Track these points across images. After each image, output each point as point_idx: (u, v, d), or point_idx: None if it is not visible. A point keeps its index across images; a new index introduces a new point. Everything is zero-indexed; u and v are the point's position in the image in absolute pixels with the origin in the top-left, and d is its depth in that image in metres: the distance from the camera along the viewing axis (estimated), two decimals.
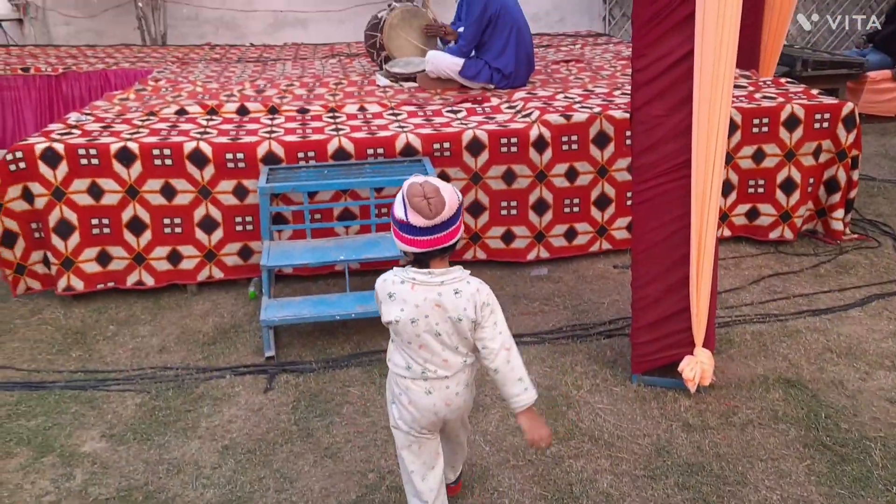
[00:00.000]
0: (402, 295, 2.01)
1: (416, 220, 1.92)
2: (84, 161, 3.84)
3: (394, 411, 2.16)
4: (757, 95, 4.61)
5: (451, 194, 1.96)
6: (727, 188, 4.35)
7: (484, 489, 2.54)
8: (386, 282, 2.05)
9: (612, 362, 3.28)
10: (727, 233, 4.48)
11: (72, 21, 9.59)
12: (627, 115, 4.10)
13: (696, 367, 2.93)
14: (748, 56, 5.22)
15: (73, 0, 9.58)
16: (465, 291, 2.00)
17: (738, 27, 2.66)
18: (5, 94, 6.80)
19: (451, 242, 2.00)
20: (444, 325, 2.01)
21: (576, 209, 4.26)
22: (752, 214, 4.48)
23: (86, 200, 3.89)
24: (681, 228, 2.87)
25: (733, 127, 4.22)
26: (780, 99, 4.47)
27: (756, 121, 4.30)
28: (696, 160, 2.76)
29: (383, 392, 2.57)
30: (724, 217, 4.39)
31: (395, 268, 2.07)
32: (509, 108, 4.70)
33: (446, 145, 4.07)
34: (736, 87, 4.31)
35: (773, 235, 4.46)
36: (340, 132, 4.22)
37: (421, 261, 2.01)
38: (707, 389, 3.02)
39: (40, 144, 3.86)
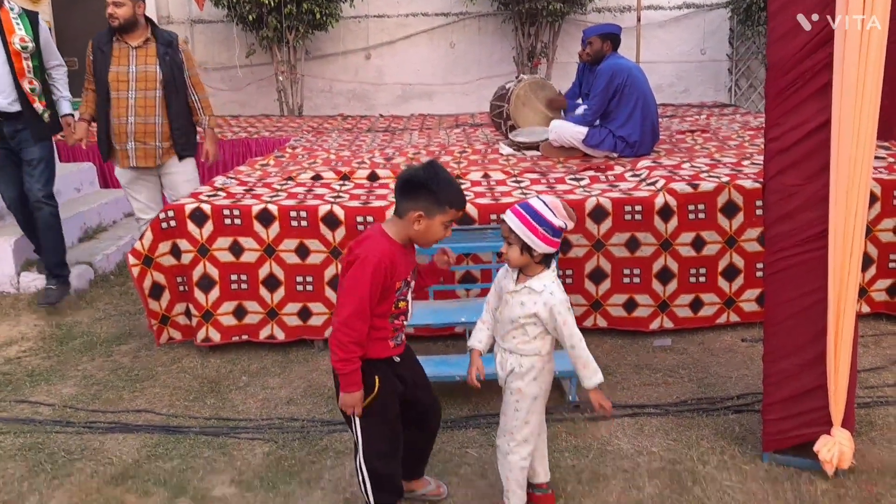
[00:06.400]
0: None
1: (567, 225, 2.43)
2: (228, 221, 4.12)
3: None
4: None
5: None
6: (866, 262, 4.15)
7: None
8: (557, 291, 2.48)
9: (740, 439, 3.14)
10: (866, 309, 4.24)
11: (218, 93, 10.41)
12: (758, 185, 4.02)
13: (834, 448, 2.77)
14: (887, 127, 5.01)
15: (220, 75, 10.43)
16: None
17: (878, 96, 2.58)
18: None
19: None
20: None
21: (702, 279, 4.16)
22: (894, 290, 4.23)
23: (227, 257, 4.14)
24: (817, 302, 2.76)
25: (872, 198, 4.03)
26: None
27: None
28: (833, 231, 2.67)
29: None
30: (862, 292, 4.17)
31: (542, 274, 2.50)
32: (633, 176, 4.69)
33: None
34: (875, 158, 4.14)
35: None
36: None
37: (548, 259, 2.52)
38: (846, 473, 2.84)
39: (190, 205, 4.17)
